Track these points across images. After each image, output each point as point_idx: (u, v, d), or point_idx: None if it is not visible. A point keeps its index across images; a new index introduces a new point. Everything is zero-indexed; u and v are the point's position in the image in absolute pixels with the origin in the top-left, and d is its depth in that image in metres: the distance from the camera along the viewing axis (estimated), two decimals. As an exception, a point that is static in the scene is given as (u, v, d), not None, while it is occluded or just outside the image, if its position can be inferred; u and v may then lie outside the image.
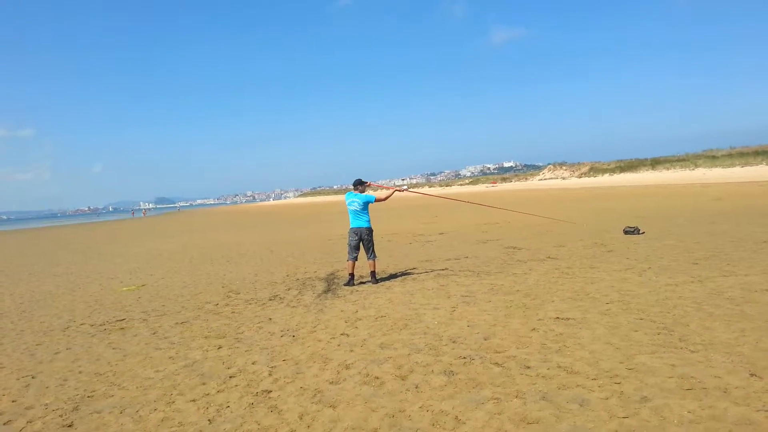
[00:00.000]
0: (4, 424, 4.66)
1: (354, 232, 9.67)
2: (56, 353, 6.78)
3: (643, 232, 13.70)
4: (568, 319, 6.33)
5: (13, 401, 5.20)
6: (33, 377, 5.89)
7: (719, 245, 10.84)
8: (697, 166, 59.10)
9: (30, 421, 4.67)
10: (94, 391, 5.28)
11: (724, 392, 4.04)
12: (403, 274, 10.51)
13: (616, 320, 6.12)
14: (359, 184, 9.90)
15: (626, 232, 13.77)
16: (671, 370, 4.52)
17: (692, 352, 4.94)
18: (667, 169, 63.06)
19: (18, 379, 5.85)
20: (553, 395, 4.22)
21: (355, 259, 9.69)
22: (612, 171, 73.57)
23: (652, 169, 66.13)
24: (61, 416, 4.72)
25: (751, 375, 4.31)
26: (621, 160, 78.21)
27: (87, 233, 43.47)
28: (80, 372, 5.94)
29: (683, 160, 64.57)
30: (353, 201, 9.70)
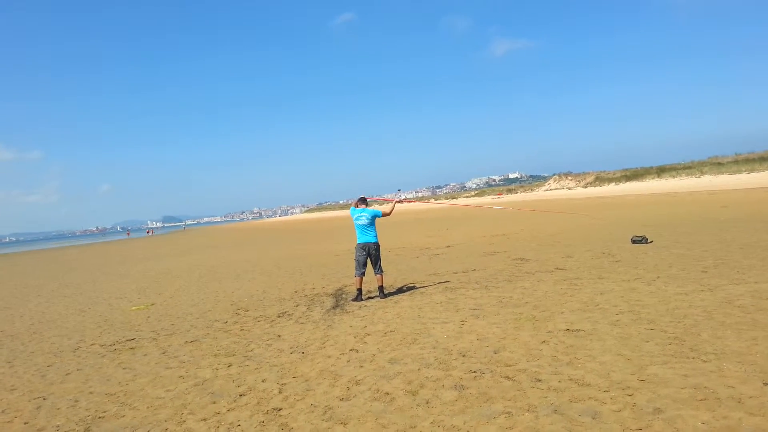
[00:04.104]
0: (17, 446, 4.68)
1: (362, 248, 9.65)
2: (67, 374, 6.80)
3: (651, 241, 13.64)
4: (578, 330, 6.30)
5: (25, 423, 5.22)
6: (44, 398, 5.91)
7: (728, 253, 10.79)
8: (703, 173, 58.89)
9: (42, 443, 4.68)
10: (105, 412, 5.29)
11: (738, 402, 4.01)
12: (411, 288, 10.50)
13: (627, 331, 6.09)
14: (363, 201, 9.93)
15: (634, 242, 13.72)
16: (684, 381, 4.49)
17: (704, 361, 4.91)
18: (673, 177, 62.86)
19: (30, 401, 5.87)
20: (565, 408, 4.20)
21: (363, 274, 9.68)
22: (618, 180, 73.41)
23: (658, 177, 65.96)
24: (72, 438, 4.73)
25: (765, 384, 4.27)
26: (626, 169, 78.06)
27: (95, 253, 43.66)
28: (91, 392, 5.95)
29: (689, 167, 64.38)
30: (360, 216, 9.71)
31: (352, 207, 10.00)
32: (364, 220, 9.67)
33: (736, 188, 37.00)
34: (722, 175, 53.89)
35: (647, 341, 5.65)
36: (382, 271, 9.84)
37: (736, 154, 63.91)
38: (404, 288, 10.56)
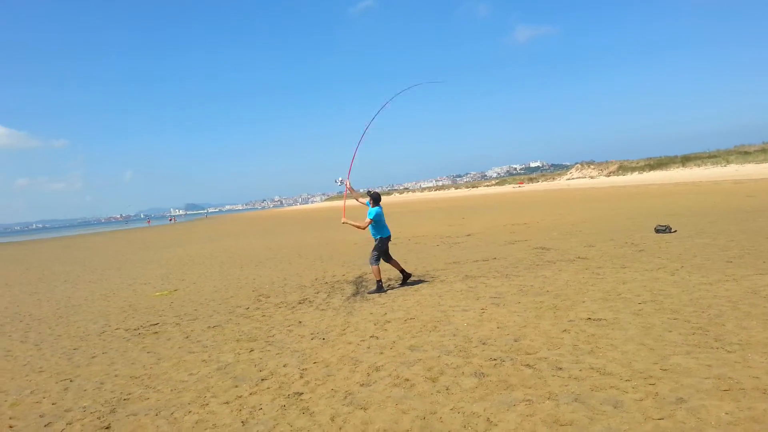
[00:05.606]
0: (45, 426, 4.79)
1: (388, 240, 9.59)
2: (93, 357, 6.94)
3: (675, 231, 13.46)
4: (599, 319, 6.26)
5: (53, 404, 5.34)
6: (71, 380, 6.04)
7: (754, 243, 10.60)
8: (728, 162, 57.83)
9: (69, 423, 4.79)
10: (130, 394, 5.39)
11: (764, 393, 3.95)
12: (431, 276, 10.50)
13: (649, 320, 6.03)
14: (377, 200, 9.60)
15: (658, 231, 13.55)
16: (707, 371, 4.44)
17: (729, 352, 4.84)
18: (698, 166, 61.85)
19: (57, 383, 6.00)
20: (586, 397, 4.18)
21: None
22: (641, 169, 72.44)
23: (683, 166, 64.94)
24: (98, 418, 4.83)
25: (791, 375, 4.21)
26: (650, 158, 77.01)
27: (119, 240, 44.33)
28: (116, 375, 6.06)
29: (714, 156, 63.26)
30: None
31: (378, 207, 9.51)
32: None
33: (763, 177, 36.26)
34: (749, 164, 52.87)
35: (670, 331, 5.59)
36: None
37: (763, 142, 62.64)
38: (424, 276, 10.56)
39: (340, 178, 9.89)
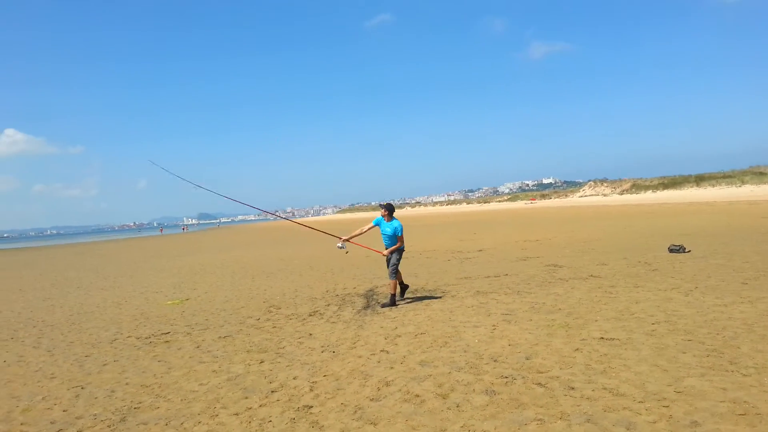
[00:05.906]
0: (56, 433, 4.82)
1: (402, 251, 9.62)
2: (104, 365, 6.97)
3: (689, 251, 13.34)
4: (612, 339, 6.20)
5: (64, 411, 5.36)
6: (82, 388, 6.06)
7: (770, 265, 10.47)
8: (743, 182, 57.43)
9: (80, 431, 4.81)
10: (140, 403, 5.40)
11: (780, 418, 3.89)
12: (442, 291, 10.47)
13: (663, 341, 5.96)
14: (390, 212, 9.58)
15: (671, 251, 13.44)
16: (722, 394, 4.38)
17: (744, 375, 4.78)
18: (713, 185, 61.47)
19: (68, 389, 6.03)
20: (599, 418, 4.13)
21: None
22: (655, 188, 72.09)
23: (697, 185, 64.55)
24: (109, 426, 4.84)
25: (808, 401, 4.14)
26: (664, 177, 76.66)
27: (132, 248, 44.64)
28: (127, 384, 6.08)
29: (729, 176, 62.87)
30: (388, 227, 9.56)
31: (395, 219, 9.55)
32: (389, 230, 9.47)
33: (780, 199, 35.91)
34: (764, 185, 52.43)
35: (684, 352, 5.53)
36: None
37: (779, 163, 62.17)
38: (435, 291, 10.53)
39: (338, 245, 9.77)
